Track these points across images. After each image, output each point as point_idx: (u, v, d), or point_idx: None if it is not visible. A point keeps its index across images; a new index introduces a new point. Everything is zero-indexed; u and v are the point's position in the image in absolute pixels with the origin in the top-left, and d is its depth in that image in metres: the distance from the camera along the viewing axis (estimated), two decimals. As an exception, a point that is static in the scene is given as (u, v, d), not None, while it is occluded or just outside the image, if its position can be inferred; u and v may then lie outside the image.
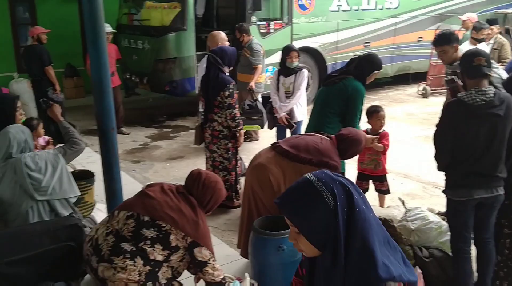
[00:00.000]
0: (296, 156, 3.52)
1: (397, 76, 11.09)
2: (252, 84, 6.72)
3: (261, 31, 8.56)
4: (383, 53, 10.27)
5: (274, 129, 5.89)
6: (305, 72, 5.50)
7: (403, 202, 4.04)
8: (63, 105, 7.81)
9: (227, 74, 4.71)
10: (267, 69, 8.76)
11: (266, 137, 6.91)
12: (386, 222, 3.48)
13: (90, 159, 6.12)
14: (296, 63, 5.44)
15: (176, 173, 6.25)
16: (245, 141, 6.09)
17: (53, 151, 3.17)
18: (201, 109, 5.24)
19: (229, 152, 4.83)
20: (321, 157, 3.49)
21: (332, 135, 3.66)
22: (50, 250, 2.57)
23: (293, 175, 3.46)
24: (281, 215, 1.63)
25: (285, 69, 5.49)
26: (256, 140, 7.34)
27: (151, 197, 2.85)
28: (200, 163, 6.55)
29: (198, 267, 2.75)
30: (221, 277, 2.82)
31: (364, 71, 4.14)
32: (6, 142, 2.95)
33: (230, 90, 4.62)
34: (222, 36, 5.59)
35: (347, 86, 4.09)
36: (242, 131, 4.83)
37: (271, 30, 8.67)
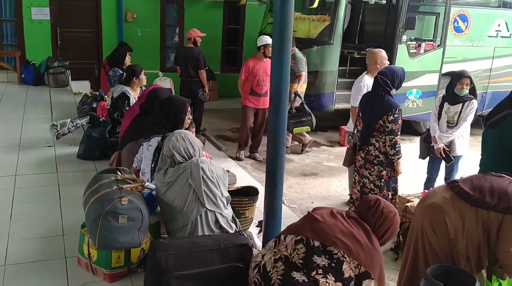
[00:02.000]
0: (478, 200, 3.05)
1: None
2: (298, 89, 7.11)
3: (410, 51, 8.06)
4: (541, 87, 9.28)
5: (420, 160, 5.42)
6: (475, 102, 4.96)
7: None
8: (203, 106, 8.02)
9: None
10: (410, 91, 8.27)
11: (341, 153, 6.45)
12: None
13: (224, 164, 6.08)
14: (466, 91, 4.93)
15: (310, 191, 6.00)
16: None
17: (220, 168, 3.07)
18: (354, 130, 4.95)
19: (382, 180, 4.45)
20: (510, 202, 3.01)
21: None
22: (220, 269, 2.42)
23: (473, 222, 3.01)
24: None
25: (452, 96, 4.99)
26: (308, 143, 7.53)
27: (320, 221, 2.61)
28: (335, 184, 6.26)
29: None
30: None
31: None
32: (170, 151, 2.90)
33: (395, 115, 4.24)
34: (382, 54, 5.23)
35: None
36: (401, 160, 4.43)
37: (421, 51, 8.13)
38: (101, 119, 5.26)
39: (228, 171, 3.24)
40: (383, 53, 5.26)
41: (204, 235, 2.71)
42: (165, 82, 9.41)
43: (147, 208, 2.85)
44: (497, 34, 8.78)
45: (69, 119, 5.36)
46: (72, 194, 4.08)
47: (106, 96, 6.58)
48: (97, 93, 6.81)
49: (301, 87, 7.27)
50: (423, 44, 8.12)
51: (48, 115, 7.15)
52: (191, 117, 3.79)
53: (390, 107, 4.26)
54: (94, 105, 6.46)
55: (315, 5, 7.34)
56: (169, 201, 2.83)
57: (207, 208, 2.78)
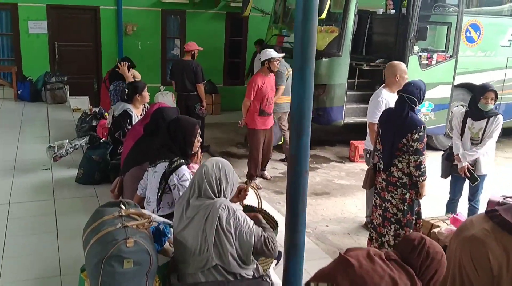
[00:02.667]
0: (525, 231, 2.74)
1: None
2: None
3: (422, 62, 7.75)
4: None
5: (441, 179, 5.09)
6: (500, 118, 4.63)
7: None
8: (203, 121, 7.74)
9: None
10: (423, 104, 7.95)
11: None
12: None
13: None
14: (491, 105, 4.61)
15: (324, 212, 5.65)
16: None
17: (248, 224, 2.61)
18: (370, 149, 4.65)
19: (405, 204, 4.12)
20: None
21: None
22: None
23: (520, 257, 2.69)
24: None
25: (475, 111, 4.67)
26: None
27: (356, 266, 2.28)
28: (349, 204, 5.92)
29: None
30: None
31: None
32: (201, 177, 2.54)
33: (420, 133, 3.93)
34: (402, 67, 4.92)
35: None
36: (426, 182, 4.10)
37: (433, 62, 7.83)
38: (101, 140, 4.93)
39: (265, 228, 2.74)
40: (403, 66, 4.96)
41: (222, 281, 2.36)
42: (166, 97, 9.11)
43: (155, 248, 2.51)
44: (510, 44, 8.50)
45: (67, 140, 5.03)
46: (70, 225, 3.75)
47: (106, 114, 6.26)
48: (97, 111, 6.47)
49: (280, 100, 7.08)
50: (435, 55, 7.83)
51: (45, 134, 6.83)
52: (200, 140, 3.46)
53: (415, 124, 3.95)
54: (94, 124, 6.14)
55: (323, 16, 7.05)
56: (184, 241, 2.48)
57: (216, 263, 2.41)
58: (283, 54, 6.57)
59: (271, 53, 6.28)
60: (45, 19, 9.60)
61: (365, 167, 7.34)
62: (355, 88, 8.25)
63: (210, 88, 10.69)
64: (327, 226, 5.22)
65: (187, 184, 3.22)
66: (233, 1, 10.55)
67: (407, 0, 7.59)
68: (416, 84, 4.13)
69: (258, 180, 6.56)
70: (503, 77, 8.57)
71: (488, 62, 8.38)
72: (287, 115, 7.26)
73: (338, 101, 7.70)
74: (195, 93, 7.46)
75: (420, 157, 3.97)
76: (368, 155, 4.98)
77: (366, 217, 5.26)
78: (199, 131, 3.38)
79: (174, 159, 3.27)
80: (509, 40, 8.46)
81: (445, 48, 7.88)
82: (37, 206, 4.24)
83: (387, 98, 4.77)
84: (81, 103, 8.87)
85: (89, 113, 6.54)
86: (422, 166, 3.99)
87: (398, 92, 4.22)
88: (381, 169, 4.24)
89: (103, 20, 9.95)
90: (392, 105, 4.66)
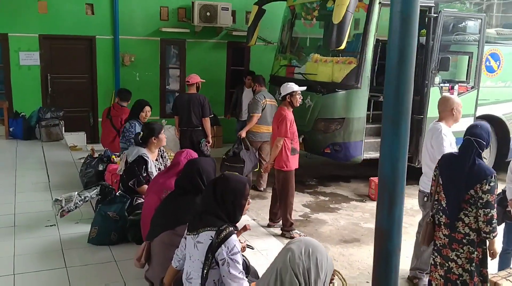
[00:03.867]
0: None
1: None
2: (243, 133, 7.18)
3: (443, 94, 7.35)
4: None
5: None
6: None
7: None
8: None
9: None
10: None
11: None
12: None
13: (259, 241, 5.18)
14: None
15: (360, 264, 5.09)
16: None
17: None
18: (426, 191, 4.15)
19: (473, 264, 3.60)
20: None
21: None
22: None
23: None
24: None
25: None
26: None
27: None
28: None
29: None
30: None
31: None
32: (285, 265, 1.98)
33: (491, 184, 3.44)
34: (458, 101, 4.51)
35: None
36: (496, 240, 3.60)
37: (455, 93, 7.43)
38: (117, 193, 4.31)
39: None
40: (457, 99, 4.57)
41: None
42: (169, 131, 8.51)
43: None
44: (530, 73, 8.18)
45: (76, 193, 4.42)
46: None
47: (113, 157, 5.66)
48: (103, 154, 5.85)
49: (255, 128, 7.26)
50: (456, 86, 7.44)
51: (44, 179, 6.14)
52: (250, 202, 2.91)
53: (485, 173, 3.47)
54: (100, 168, 5.52)
55: (343, 46, 6.62)
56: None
57: None
58: (304, 88, 6.09)
59: (293, 86, 5.79)
60: (38, 50, 9.02)
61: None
62: (371, 121, 7.79)
63: (212, 120, 10.15)
64: (367, 282, 4.66)
65: (238, 257, 2.67)
66: (235, 30, 10.13)
67: (427, 28, 7.24)
68: (484, 126, 3.68)
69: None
70: (523, 107, 8.21)
71: (508, 93, 8.03)
72: (268, 145, 7.10)
73: (357, 136, 7.22)
74: (200, 128, 7.03)
75: (491, 211, 3.48)
76: (425, 198, 4.47)
77: (410, 270, 4.72)
78: (249, 191, 2.84)
79: (221, 226, 2.71)
80: (528, 70, 8.14)
81: (466, 79, 7.50)
82: (47, 277, 3.56)
83: (447, 132, 4.38)
84: (78, 139, 8.24)
85: (92, 156, 5.90)
86: (493, 221, 3.50)
87: (464, 136, 3.76)
88: (441, 223, 3.73)
89: (99, 51, 9.40)
90: (453, 141, 4.36)
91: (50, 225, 4.50)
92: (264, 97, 7.31)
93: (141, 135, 4.62)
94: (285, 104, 5.84)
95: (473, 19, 7.52)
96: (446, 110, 4.49)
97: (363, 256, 5.28)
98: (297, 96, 5.82)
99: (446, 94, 4.92)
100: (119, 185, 4.70)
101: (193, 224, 2.83)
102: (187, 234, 2.87)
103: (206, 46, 10.22)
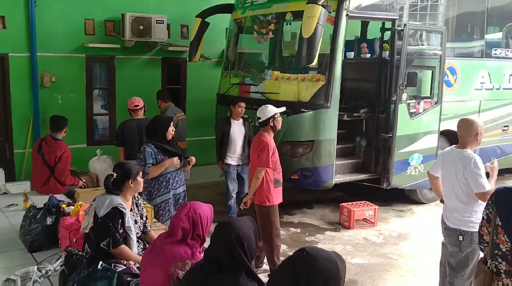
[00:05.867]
0: None
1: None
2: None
3: (411, 111, 7.02)
4: (519, 140, 8.83)
5: None
6: None
7: None
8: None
9: None
10: (412, 156, 7.19)
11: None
12: None
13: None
14: None
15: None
16: None
17: None
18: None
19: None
20: None
21: None
22: None
23: None
24: None
25: None
26: None
27: None
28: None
29: None
30: None
31: None
32: None
33: None
34: (481, 124, 4.06)
35: None
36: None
37: (420, 110, 7.13)
38: (100, 266, 3.18)
39: None
40: (480, 121, 4.08)
41: None
42: (105, 162, 7.35)
43: None
44: (482, 86, 8.16)
45: (35, 267, 3.27)
46: None
47: (63, 206, 4.48)
48: (48, 202, 4.61)
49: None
50: (422, 102, 7.13)
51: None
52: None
53: None
54: (49, 222, 4.32)
55: (315, 62, 6.01)
56: None
57: None
58: (284, 108, 5.37)
59: (273, 108, 5.07)
60: None
61: (369, 235, 6.35)
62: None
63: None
64: None
65: None
66: (170, 45, 9.16)
67: (391, 42, 6.86)
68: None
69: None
70: (477, 121, 8.13)
71: (464, 107, 7.92)
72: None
73: (327, 160, 6.63)
74: None
75: None
76: (461, 238, 3.91)
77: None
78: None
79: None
80: (481, 83, 8.11)
81: (430, 94, 7.22)
82: None
83: (479, 161, 3.92)
84: (-6, 179, 6.79)
85: (36, 206, 4.61)
86: None
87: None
88: (501, 271, 3.16)
89: (13, 70, 7.94)
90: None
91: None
92: (175, 113, 7.09)
93: (113, 177, 3.59)
94: (266, 130, 5.08)
95: (434, 32, 7.29)
96: (471, 135, 4.00)
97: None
98: (279, 118, 5.10)
99: (469, 116, 4.41)
100: (83, 248, 3.60)
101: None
102: None
103: (138, 62, 9.13)
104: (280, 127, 5.17)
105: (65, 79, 8.39)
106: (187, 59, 9.39)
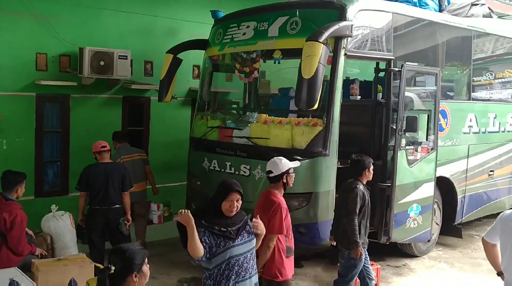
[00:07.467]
0: None
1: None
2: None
3: (409, 157, 6.47)
4: (503, 184, 8.56)
5: None
6: None
7: None
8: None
9: None
10: (411, 207, 6.62)
11: None
12: None
13: None
14: None
15: None
16: None
17: None
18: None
19: None
20: None
21: None
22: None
23: None
24: None
25: None
26: None
27: None
28: None
29: None
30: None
31: None
32: None
33: None
34: None
35: None
36: None
37: (418, 156, 6.60)
38: None
39: None
40: None
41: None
42: (62, 220, 6.22)
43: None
44: (470, 130, 7.83)
45: None
46: None
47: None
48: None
49: None
50: (419, 148, 6.62)
51: None
52: None
53: None
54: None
55: (316, 106, 5.34)
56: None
57: None
58: (298, 163, 4.61)
59: (287, 162, 4.29)
60: None
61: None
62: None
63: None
64: None
65: None
66: (133, 83, 8.23)
67: (387, 83, 6.35)
68: None
69: None
70: (466, 166, 7.77)
71: (454, 151, 7.54)
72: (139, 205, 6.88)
73: (326, 214, 5.89)
74: (119, 206, 6.12)
75: None
76: None
77: None
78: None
79: None
80: (469, 126, 7.78)
81: (426, 140, 6.73)
82: None
83: None
84: None
85: None
86: None
87: None
88: None
89: None
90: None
91: None
92: (120, 155, 6.82)
93: (112, 270, 2.63)
94: (277, 187, 4.30)
95: (429, 74, 6.86)
96: None
97: None
98: (292, 174, 4.34)
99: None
100: None
101: None
102: None
103: (97, 102, 8.11)
104: (292, 185, 4.39)
105: (12, 121, 7.24)
106: (151, 98, 8.58)
